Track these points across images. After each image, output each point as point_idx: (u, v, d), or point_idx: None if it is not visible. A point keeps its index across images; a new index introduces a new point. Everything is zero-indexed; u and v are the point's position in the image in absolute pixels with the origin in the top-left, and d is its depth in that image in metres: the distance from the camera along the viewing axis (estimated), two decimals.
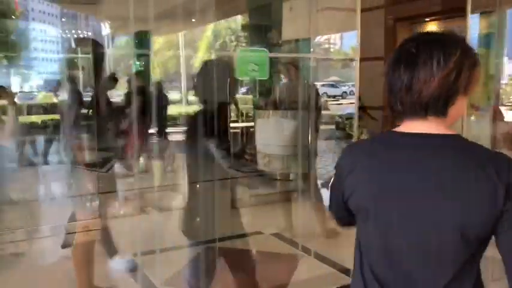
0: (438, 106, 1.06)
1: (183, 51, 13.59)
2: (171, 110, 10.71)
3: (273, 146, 5.25)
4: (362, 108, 4.73)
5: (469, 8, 3.06)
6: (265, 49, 3.33)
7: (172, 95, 12.93)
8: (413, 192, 1.04)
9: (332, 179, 1.24)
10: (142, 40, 9.66)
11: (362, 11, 5.14)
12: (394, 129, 1.13)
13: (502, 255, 1.05)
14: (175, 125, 10.78)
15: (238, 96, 10.13)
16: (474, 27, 3.78)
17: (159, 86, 7.61)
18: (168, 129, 8.32)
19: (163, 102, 7.40)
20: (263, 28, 7.62)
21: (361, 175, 1.13)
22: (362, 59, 5.08)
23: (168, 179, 6.49)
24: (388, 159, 1.10)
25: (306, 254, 3.78)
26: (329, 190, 1.28)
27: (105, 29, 10.00)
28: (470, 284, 1.07)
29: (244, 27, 9.85)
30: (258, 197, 4.65)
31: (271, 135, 5.25)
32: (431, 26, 4.38)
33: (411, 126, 1.10)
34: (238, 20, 11.18)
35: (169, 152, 7.22)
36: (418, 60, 1.05)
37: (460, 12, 3.91)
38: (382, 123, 4.71)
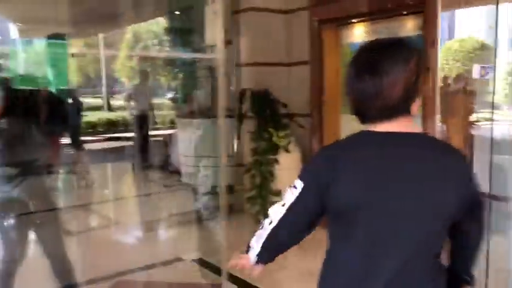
0: (405, 106, 1.15)
1: (103, 54, 12.87)
2: (91, 117, 9.96)
3: (193, 157, 4.86)
4: (289, 116, 4.47)
5: (439, 4, 2.84)
6: (64, 41, 2.94)
7: (92, 100, 12.16)
8: (402, 186, 1.12)
9: (290, 199, 1.20)
10: (56, 43, 8.91)
11: (285, 12, 4.92)
12: (368, 129, 1.17)
13: (457, 236, 1.27)
14: (96, 133, 10.05)
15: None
16: (404, 28, 3.64)
17: (72, 92, 7.00)
18: (86, 138, 7.68)
19: (77, 109, 6.77)
20: (185, 32, 7.27)
21: (346, 176, 1.15)
22: (288, 64, 4.86)
23: (82, 198, 5.86)
24: (372, 157, 1.15)
25: (234, 283, 3.17)
26: (276, 214, 1.23)
27: (15, 31, 9.18)
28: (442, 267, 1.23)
29: (166, 30, 9.44)
30: (178, 215, 4.21)
31: (192, 144, 4.86)
32: (359, 28, 4.20)
33: (382, 127, 1.16)
34: (162, 23, 10.76)
35: (84, 164, 6.59)
36: (383, 66, 1.12)
37: (387, 13, 3.76)
38: (310, 131, 4.46)
